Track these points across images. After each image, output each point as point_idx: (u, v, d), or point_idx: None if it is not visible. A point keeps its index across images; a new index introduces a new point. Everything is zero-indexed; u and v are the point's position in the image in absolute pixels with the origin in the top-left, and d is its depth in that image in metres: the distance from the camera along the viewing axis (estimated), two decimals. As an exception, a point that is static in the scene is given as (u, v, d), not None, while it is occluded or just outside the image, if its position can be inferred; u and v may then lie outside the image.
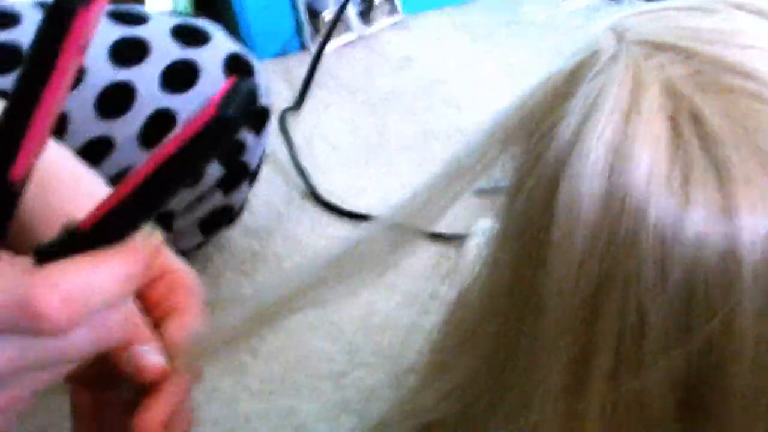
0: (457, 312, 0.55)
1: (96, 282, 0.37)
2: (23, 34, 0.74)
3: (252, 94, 0.36)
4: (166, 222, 0.86)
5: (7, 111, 0.38)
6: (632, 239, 0.39)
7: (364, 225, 0.50)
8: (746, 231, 0.38)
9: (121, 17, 0.81)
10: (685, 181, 0.39)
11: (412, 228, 0.49)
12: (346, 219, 1.07)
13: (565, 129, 0.42)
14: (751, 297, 0.38)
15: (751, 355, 0.39)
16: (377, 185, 1.12)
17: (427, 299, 0.92)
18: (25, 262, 0.38)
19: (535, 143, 0.44)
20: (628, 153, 0.40)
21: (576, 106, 0.42)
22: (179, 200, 0.85)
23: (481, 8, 1.44)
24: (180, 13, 0.87)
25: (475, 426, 0.51)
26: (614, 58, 0.43)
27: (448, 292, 0.60)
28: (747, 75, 0.40)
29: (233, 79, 0.36)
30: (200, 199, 0.88)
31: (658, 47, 0.42)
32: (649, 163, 0.39)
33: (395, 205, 0.48)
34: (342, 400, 0.86)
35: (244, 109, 0.35)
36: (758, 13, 0.43)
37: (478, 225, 0.66)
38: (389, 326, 0.93)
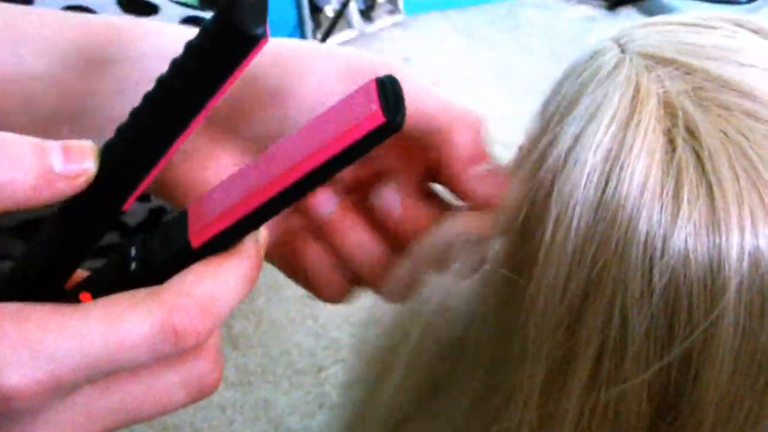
0: (442, 317, 0.55)
1: (225, 286, 0.34)
2: None
3: (401, 94, 0.32)
4: (157, 219, 0.85)
5: (141, 132, 0.32)
6: (622, 250, 0.40)
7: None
8: (733, 248, 0.38)
9: (131, 6, 0.81)
10: (677, 195, 0.39)
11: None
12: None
13: (565, 136, 0.42)
14: (734, 313, 0.38)
15: (730, 370, 0.39)
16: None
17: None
18: (142, 290, 0.34)
19: (539, 155, 0.44)
20: (623, 164, 0.40)
21: (577, 116, 0.42)
22: None
23: (482, 12, 1.44)
24: (187, 5, 0.86)
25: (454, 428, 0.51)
26: (616, 68, 0.43)
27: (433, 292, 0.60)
28: (744, 93, 0.40)
29: (373, 81, 0.32)
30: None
31: (660, 60, 0.42)
32: (642, 175, 0.39)
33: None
34: (320, 395, 0.86)
35: (404, 112, 0.31)
36: (758, 31, 0.43)
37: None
38: (372, 323, 0.93)
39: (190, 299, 0.33)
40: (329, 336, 0.91)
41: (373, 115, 0.30)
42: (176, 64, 0.31)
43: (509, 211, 0.45)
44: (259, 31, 0.30)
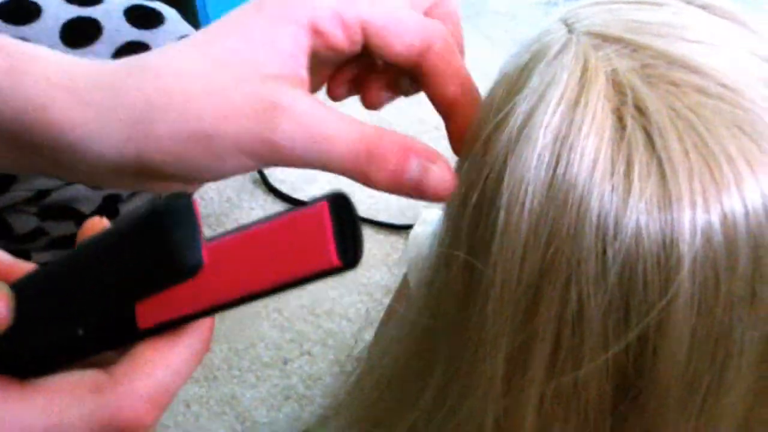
0: (410, 311, 0.55)
1: (175, 373, 0.34)
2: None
3: (357, 222, 0.32)
4: (112, 205, 0.85)
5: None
6: (575, 230, 0.39)
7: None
8: (686, 224, 0.38)
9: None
10: (628, 172, 0.39)
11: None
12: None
13: (515, 118, 0.42)
14: (689, 290, 0.38)
15: (687, 347, 0.39)
16: (329, 174, 1.11)
17: (375, 288, 0.92)
18: (87, 378, 0.34)
19: (488, 136, 0.44)
20: (573, 143, 0.40)
21: (526, 96, 0.42)
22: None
23: (442, 1, 1.44)
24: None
25: (418, 419, 0.51)
26: (564, 48, 0.43)
27: (395, 282, 0.60)
28: (692, 69, 0.40)
29: (325, 206, 0.31)
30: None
31: (607, 39, 0.42)
32: (593, 154, 0.39)
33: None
34: (285, 388, 0.86)
35: (359, 251, 0.32)
36: (705, 7, 0.43)
37: (425, 214, 0.66)
38: (336, 314, 0.92)
39: (139, 396, 0.33)
40: (294, 329, 0.91)
41: (328, 257, 0.31)
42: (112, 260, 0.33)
43: (463, 193, 0.45)
44: (196, 260, 0.31)
